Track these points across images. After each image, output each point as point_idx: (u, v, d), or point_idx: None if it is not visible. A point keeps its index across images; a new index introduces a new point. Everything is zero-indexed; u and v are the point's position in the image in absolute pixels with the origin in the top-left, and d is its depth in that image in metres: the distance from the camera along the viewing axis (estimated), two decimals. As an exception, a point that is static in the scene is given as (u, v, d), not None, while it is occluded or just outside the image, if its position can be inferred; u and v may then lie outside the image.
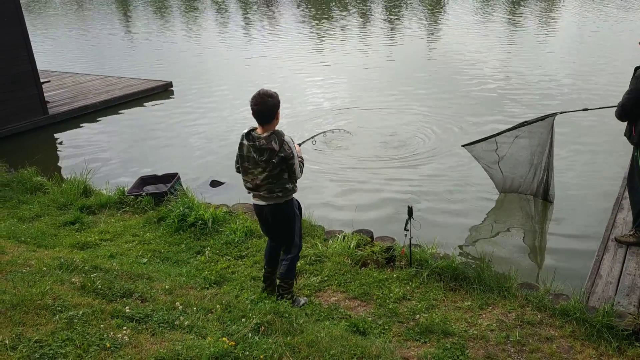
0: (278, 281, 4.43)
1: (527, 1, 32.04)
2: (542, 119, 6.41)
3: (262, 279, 4.64)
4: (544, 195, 6.84)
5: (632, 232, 5.40)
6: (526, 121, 6.56)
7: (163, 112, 12.78)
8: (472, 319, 4.37)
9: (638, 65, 5.11)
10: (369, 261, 5.29)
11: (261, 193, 4.11)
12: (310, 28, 25.73)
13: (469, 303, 4.58)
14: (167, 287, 4.29)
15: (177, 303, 3.97)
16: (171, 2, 42.43)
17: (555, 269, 5.37)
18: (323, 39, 22.39)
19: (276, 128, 4.03)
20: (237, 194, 7.57)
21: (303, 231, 5.90)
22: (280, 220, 4.27)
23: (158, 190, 7.14)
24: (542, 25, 23.37)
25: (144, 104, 13.50)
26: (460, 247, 6.15)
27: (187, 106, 13.04)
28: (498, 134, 6.70)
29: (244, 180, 4.21)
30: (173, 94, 14.35)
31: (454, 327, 4.22)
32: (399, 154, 9.05)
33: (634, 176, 5.33)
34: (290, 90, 13.71)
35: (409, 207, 4.92)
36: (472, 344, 4.04)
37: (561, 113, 6.44)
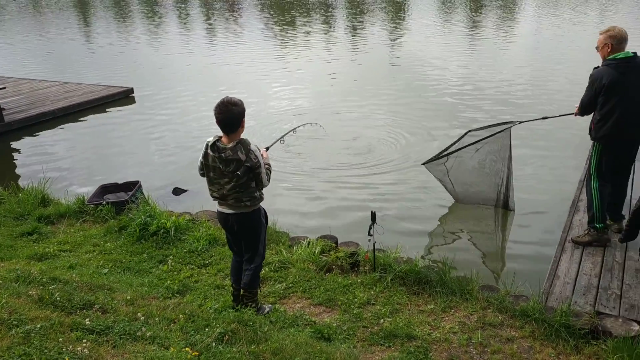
0: (242, 291, 4.36)
1: (486, 8, 32.78)
2: (500, 130, 6.42)
3: (232, 298, 4.49)
4: (504, 205, 6.92)
5: (586, 231, 5.57)
6: (484, 137, 6.55)
7: (124, 119, 12.57)
8: (435, 322, 4.43)
9: (596, 66, 5.31)
10: (333, 267, 5.31)
11: (228, 202, 4.06)
12: (274, 34, 25.72)
13: (432, 306, 4.64)
14: (128, 297, 4.21)
15: (139, 314, 3.90)
16: (132, 7, 41.81)
17: (515, 271, 5.49)
18: (286, 44, 22.41)
19: (241, 136, 3.96)
20: (200, 201, 7.48)
21: (267, 238, 5.91)
22: (247, 229, 4.21)
23: (119, 198, 7.02)
24: (500, 32, 23.93)
25: (105, 110, 13.24)
26: (424, 251, 6.23)
27: (149, 113, 12.85)
28: (458, 150, 6.67)
29: (210, 189, 4.14)
30: (134, 101, 14.13)
31: (417, 330, 4.28)
32: (362, 160, 9.12)
33: (589, 175, 5.51)
34: (254, 96, 13.67)
35: (372, 212, 4.97)
36: (435, 347, 4.09)
37: (519, 123, 6.50)
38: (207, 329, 3.68)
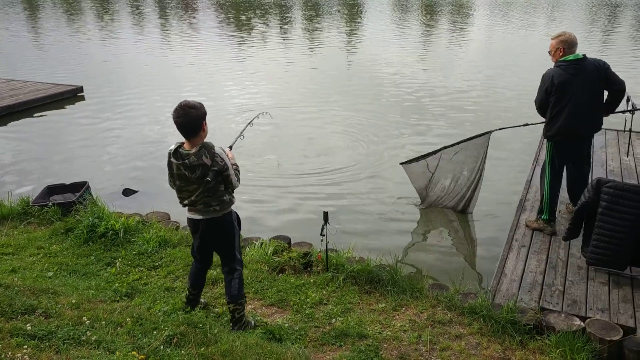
0: (232, 306, 4.11)
1: (439, 14, 33.42)
2: (480, 135, 6.59)
3: (185, 301, 4.36)
4: (463, 209, 7.02)
5: (536, 219, 5.97)
6: (463, 139, 6.73)
7: (72, 118, 12.19)
8: (386, 320, 4.47)
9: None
10: (286, 267, 5.30)
11: (197, 207, 3.91)
12: (230, 35, 25.48)
13: (383, 305, 4.69)
14: (73, 301, 4.09)
15: (85, 318, 3.79)
16: (83, 3, 40.65)
17: (465, 270, 5.61)
18: (242, 45, 22.25)
19: (204, 140, 3.80)
20: (150, 202, 7.37)
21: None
22: (219, 235, 4.06)
23: (66, 200, 6.80)
24: (455, 36, 24.44)
25: (52, 109, 12.80)
26: (375, 251, 6.28)
27: (98, 112, 12.50)
28: (437, 151, 6.81)
29: (178, 197, 3.96)
30: (84, 99, 13.74)
31: (368, 329, 4.31)
32: (316, 161, 9.14)
33: (543, 170, 5.81)
34: (210, 97, 13.51)
35: (324, 212, 4.98)
36: (385, 345, 4.13)
37: (500, 129, 6.68)
38: (155, 332, 3.61)
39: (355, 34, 25.89)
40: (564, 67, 5.32)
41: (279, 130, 10.78)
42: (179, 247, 5.68)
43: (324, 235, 4.92)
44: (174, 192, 7.24)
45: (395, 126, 11.05)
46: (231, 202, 4.01)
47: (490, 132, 6.66)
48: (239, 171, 4.03)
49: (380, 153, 9.53)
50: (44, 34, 26.06)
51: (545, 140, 5.79)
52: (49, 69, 17.60)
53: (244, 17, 31.90)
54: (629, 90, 5.76)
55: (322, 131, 10.76)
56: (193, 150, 3.72)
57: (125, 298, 4.60)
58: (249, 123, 5.53)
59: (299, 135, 10.52)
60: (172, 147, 3.83)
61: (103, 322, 3.75)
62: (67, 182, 7.36)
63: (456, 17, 32.17)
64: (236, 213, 4.19)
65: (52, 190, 7.14)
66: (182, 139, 3.84)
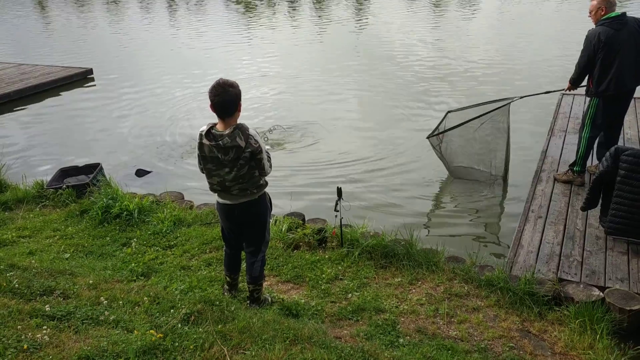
0: (251, 287, 4.06)
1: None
2: (502, 104, 6.53)
3: (226, 287, 4.29)
4: (504, 175, 6.99)
5: (566, 172, 6.30)
6: (483, 103, 6.69)
7: (83, 101, 12.20)
8: (403, 294, 4.45)
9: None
10: (301, 244, 5.29)
11: (232, 192, 3.75)
12: (238, 16, 25.22)
13: (399, 279, 4.67)
14: (91, 282, 4.12)
15: (102, 298, 3.82)
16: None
17: (480, 242, 5.56)
18: (251, 25, 22.04)
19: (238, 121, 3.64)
20: (164, 182, 7.38)
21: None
22: (255, 217, 3.91)
23: (80, 182, 6.82)
24: (466, 7, 24.00)
25: (63, 92, 12.84)
26: (391, 225, 6.24)
27: (109, 94, 12.51)
28: (464, 123, 6.64)
29: (209, 182, 3.79)
30: (94, 81, 13.73)
31: (385, 304, 4.29)
32: (328, 140, 9.05)
33: (583, 125, 6.01)
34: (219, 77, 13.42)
35: (338, 188, 4.93)
36: (402, 319, 4.12)
37: (521, 98, 6.65)
38: (172, 311, 3.63)
39: (365, 11, 25.51)
40: (609, 24, 5.53)
41: (292, 113, 10.71)
42: (193, 225, 5.69)
43: (337, 211, 4.88)
44: (187, 172, 7.23)
45: (408, 102, 10.89)
46: (266, 184, 3.87)
47: (511, 99, 6.56)
48: (270, 157, 3.88)
49: (393, 128, 9.44)
50: (53, 19, 25.99)
51: (588, 100, 5.97)
52: (58, 53, 17.60)
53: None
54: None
55: (335, 107, 10.65)
56: (227, 131, 3.54)
57: (142, 278, 4.62)
58: (277, 126, 5.37)
59: (310, 112, 10.42)
60: (204, 127, 3.64)
61: (120, 302, 3.77)
62: (80, 164, 7.39)
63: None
64: (269, 195, 4.05)
65: (65, 172, 7.17)
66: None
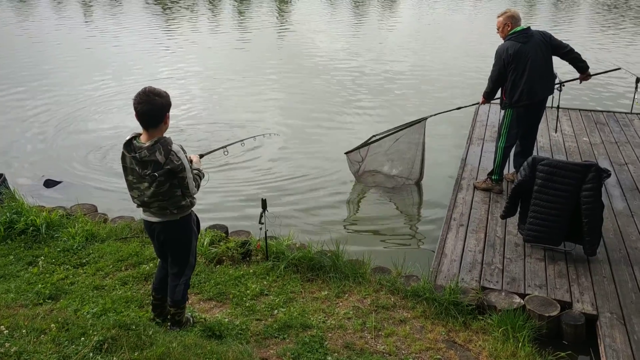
0: (173, 309, 3.82)
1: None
2: (417, 122, 6.92)
3: (151, 307, 4.00)
4: (417, 182, 7.32)
5: (485, 180, 6.47)
6: (402, 125, 7.06)
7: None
8: (330, 308, 4.36)
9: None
10: (224, 258, 5.08)
11: (151, 209, 3.52)
12: (156, 17, 24.44)
13: (326, 292, 4.58)
14: (-11, 308, 3.74)
15: (2, 326, 3.46)
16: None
17: (406, 252, 5.58)
18: (170, 28, 21.41)
19: (164, 135, 3.40)
20: (75, 193, 6.92)
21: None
22: (175, 239, 3.67)
23: (-21, 194, 6.25)
24: (384, 19, 24.53)
25: (-38, 95, 11.85)
26: (317, 237, 6.15)
27: (15, 97, 11.64)
28: (380, 139, 7.06)
29: (130, 195, 3.55)
30: (-4, 84, 12.79)
31: (312, 319, 4.18)
32: (251, 149, 8.82)
33: (499, 135, 6.22)
34: (136, 79, 12.89)
35: (262, 199, 4.78)
36: (330, 334, 4.03)
37: (432, 116, 6.99)
38: (83, 338, 3.34)
39: (286, 15, 25.48)
40: (515, 38, 5.79)
41: (213, 119, 10.43)
42: (107, 241, 5.34)
43: (262, 223, 4.73)
44: (101, 182, 6.81)
45: (328, 110, 10.85)
46: (191, 204, 3.62)
47: (425, 118, 6.91)
48: (200, 177, 3.63)
49: (314, 139, 9.39)
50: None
51: (502, 112, 6.18)
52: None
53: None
54: (557, 65, 5.97)
55: (256, 121, 10.41)
56: (147, 144, 3.31)
57: (49, 301, 4.25)
58: (240, 141, 5.12)
59: (231, 122, 10.18)
60: (128, 136, 3.41)
61: (24, 330, 3.43)
62: (-20, 175, 6.78)
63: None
64: (196, 215, 3.79)
65: (-37, 184, 6.54)
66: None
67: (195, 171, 3.58)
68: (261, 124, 9.85)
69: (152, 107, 3.29)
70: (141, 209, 3.62)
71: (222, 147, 4.73)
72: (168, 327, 3.85)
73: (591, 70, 6.13)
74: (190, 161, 3.55)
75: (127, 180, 3.51)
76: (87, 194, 7.04)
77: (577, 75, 6.16)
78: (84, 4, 27.54)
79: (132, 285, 4.57)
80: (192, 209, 3.69)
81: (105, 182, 7.52)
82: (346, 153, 7.25)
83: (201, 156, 3.98)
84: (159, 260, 3.94)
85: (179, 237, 3.67)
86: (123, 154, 3.41)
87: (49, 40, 18.14)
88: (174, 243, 3.68)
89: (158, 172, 3.32)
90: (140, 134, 3.41)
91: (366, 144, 7.12)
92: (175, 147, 3.38)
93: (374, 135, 7.23)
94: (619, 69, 7.64)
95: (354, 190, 7.32)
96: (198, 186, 3.59)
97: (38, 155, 8.57)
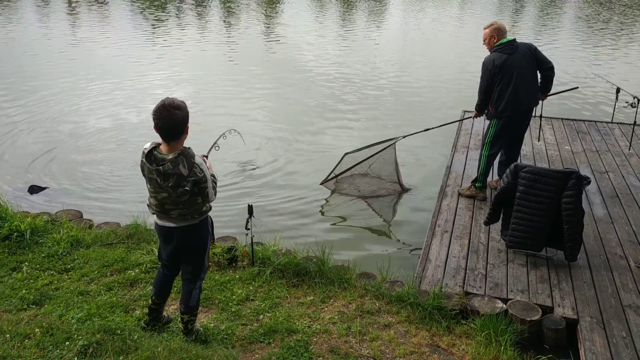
0: (186, 317, 3.78)
1: (356, 4, 33.71)
2: (388, 145, 7.18)
3: (147, 311, 3.96)
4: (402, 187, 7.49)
5: (469, 187, 6.54)
6: (373, 144, 7.35)
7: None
8: (315, 313, 4.39)
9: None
10: (210, 264, 5.09)
11: (171, 216, 3.51)
12: (144, 22, 24.41)
13: (312, 298, 4.61)
14: (-27, 313, 3.72)
15: (-14, 332, 3.45)
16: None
17: (391, 257, 5.62)
18: (158, 33, 21.39)
19: (184, 146, 3.39)
20: (60, 199, 6.90)
21: (138, 237, 5.55)
22: (194, 242, 3.67)
23: (-37, 200, 6.20)
24: (372, 28, 24.72)
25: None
26: (302, 242, 6.18)
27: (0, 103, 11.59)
28: (353, 167, 7.37)
29: (149, 200, 3.56)
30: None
31: (297, 324, 4.21)
32: (236, 155, 8.87)
33: (483, 144, 6.35)
34: (125, 86, 12.87)
35: (249, 205, 4.80)
36: (315, 339, 4.05)
37: (404, 137, 7.23)
38: (67, 343, 3.35)
39: (274, 20, 25.58)
40: (501, 49, 5.92)
41: (199, 119, 10.43)
42: (93, 247, 5.33)
43: (248, 229, 4.75)
44: (86, 188, 6.81)
45: (313, 119, 10.89)
46: (209, 209, 3.65)
47: (396, 140, 7.19)
48: (216, 183, 3.64)
49: (300, 145, 9.44)
50: None
51: (488, 122, 6.32)
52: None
53: (158, 8, 30.67)
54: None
55: (243, 126, 10.45)
56: (170, 157, 3.30)
57: (34, 306, 4.23)
58: (220, 136, 5.14)
59: (218, 129, 10.19)
60: (147, 146, 3.38)
61: (8, 335, 3.44)
62: (-36, 181, 6.74)
63: (373, 5, 32.57)
64: (211, 218, 3.81)
65: (-54, 190, 6.50)
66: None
67: (211, 177, 3.57)
68: (250, 131, 9.88)
69: (173, 121, 3.28)
70: (155, 215, 3.61)
71: (214, 144, 4.75)
72: (183, 337, 3.80)
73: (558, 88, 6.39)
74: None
75: (147, 186, 3.50)
76: (72, 199, 7.02)
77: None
78: (71, 13, 27.41)
79: (118, 291, 4.56)
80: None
81: (91, 188, 7.50)
82: (321, 184, 7.53)
83: (206, 156, 3.92)
84: (160, 265, 3.90)
85: (198, 239, 3.67)
86: (143, 163, 3.40)
87: (33, 45, 18.03)
88: (195, 246, 3.68)
89: (184, 185, 3.31)
90: (159, 144, 3.41)
91: (339, 174, 7.43)
92: (198, 160, 3.39)
93: (346, 154, 7.47)
94: (576, 87, 7.83)
95: (340, 197, 7.36)
96: (215, 192, 3.61)
97: (22, 161, 8.50)
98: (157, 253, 4.01)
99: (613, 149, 8.14)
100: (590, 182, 4.90)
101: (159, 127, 3.28)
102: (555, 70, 6.15)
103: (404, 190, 7.40)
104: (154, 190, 3.44)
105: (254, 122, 10.56)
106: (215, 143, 4.73)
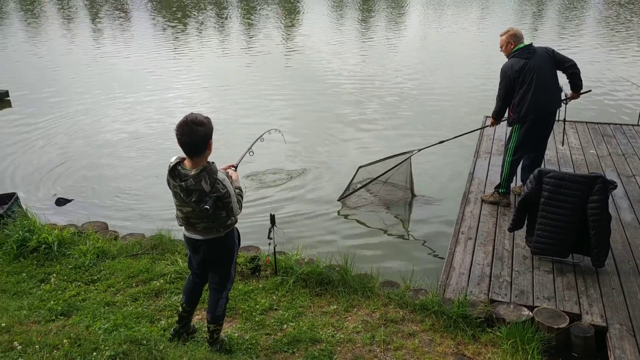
0: (212, 326, 3.82)
1: (375, 11, 33.75)
2: (404, 160, 7.18)
3: (177, 318, 3.99)
4: (412, 193, 7.51)
5: (492, 193, 6.51)
6: (388, 157, 7.38)
7: (-2, 125, 11.51)
8: (339, 322, 4.38)
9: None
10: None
11: (197, 228, 3.56)
12: (166, 35, 24.78)
13: (335, 307, 4.60)
14: (3, 324, 3.81)
15: (16, 342, 3.53)
16: (9, 5, 38.56)
17: (414, 265, 5.59)
18: (180, 46, 21.69)
19: (208, 161, 3.42)
20: (86, 211, 7.02)
21: (162, 247, 5.61)
22: (220, 254, 3.72)
23: (-7, 213, 6.34)
24: (391, 34, 24.72)
25: (-25, 116, 12.06)
26: (325, 251, 6.18)
27: (26, 118, 11.82)
28: (368, 183, 7.39)
29: (176, 212, 3.61)
30: (10, 105, 12.99)
31: (321, 333, 4.21)
32: (258, 165, 8.91)
33: (506, 149, 6.31)
34: (147, 100, 13.06)
35: (271, 215, 4.83)
36: (339, 348, 4.04)
37: (419, 151, 7.19)
38: (95, 353, 3.39)
39: (294, 29, 25.75)
40: (519, 54, 5.91)
41: (220, 129, 10.51)
42: (118, 258, 5.41)
43: (271, 239, 4.77)
44: (111, 199, 6.92)
45: (338, 126, 10.93)
46: (235, 221, 3.67)
47: (411, 154, 7.18)
48: (242, 196, 3.66)
49: (321, 154, 9.46)
50: (-36, 36, 24.55)
51: (510, 128, 6.26)
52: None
53: (179, 15, 31.12)
54: (563, 79, 6.03)
55: (265, 136, 10.51)
56: (193, 172, 3.34)
57: (62, 317, 4.30)
58: (258, 138, 5.13)
59: (236, 139, 10.28)
60: (172, 160, 3.44)
61: (37, 346, 3.49)
62: (-6, 194, 6.89)
63: (392, 12, 32.58)
64: (237, 230, 3.84)
65: (-24, 203, 6.65)
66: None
67: (237, 190, 3.59)
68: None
69: (195, 138, 3.30)
70: (183, 227, 3.66)
71: (248, 150, 4.69)
72: (208, 347, 3.83)
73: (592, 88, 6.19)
74: (230, 178, 3.58)
75: (173, 199, 3.55)
76: (98, 211, 7.14)
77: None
78: (95, 27, 27.97)
79: (143, 301, 4.62)
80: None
81: (116, 199, 7.62)
82: (339, 200, 7.51)
83: (235, 167, 3.98)
84: (191, 273, 3.95)
85: (224, 251, 3.70)
86: (168, 178, 3.45)
87: (59, 59, 18.42)
88: (220, 257, 3.72)
89: (208, 203, 3.33)
90: (184, 159, 3.45)
91: (356, 190, 7.45)
92: (220, 176, 3.41)
93: (360, 167, 7.50)
94: (589, 91, 7.26)
95: (359, 201, 7.35)
96: (241, 206, 3.63)
97: (49, 174, 8.69)
98: (180, 264, 4.05)
99: (640, 152, 8.00)
100: (616, 186, 4.83)
101: (181, 143, 3.32)
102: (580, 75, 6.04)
103: (414, 196, 7.42)
104: (179, 204, 3.50)
105: (276, 134, 10.57)
106: (249, 149, 4.69)
